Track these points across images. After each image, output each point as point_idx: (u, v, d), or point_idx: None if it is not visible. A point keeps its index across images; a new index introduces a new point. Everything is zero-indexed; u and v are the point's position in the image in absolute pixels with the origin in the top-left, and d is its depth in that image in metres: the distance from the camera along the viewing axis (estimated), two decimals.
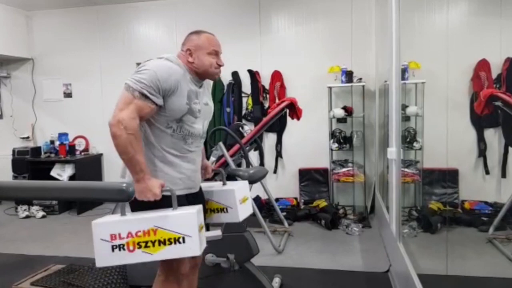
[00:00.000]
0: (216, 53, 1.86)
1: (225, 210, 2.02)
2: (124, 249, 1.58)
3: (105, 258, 1.61)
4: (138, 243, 1.58)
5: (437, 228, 3.58)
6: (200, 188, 2.00)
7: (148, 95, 1.67)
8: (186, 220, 1.60)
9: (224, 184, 2.09)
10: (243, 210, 2.05)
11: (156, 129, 1.78)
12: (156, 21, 5.43)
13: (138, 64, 5.77)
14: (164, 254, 1.59)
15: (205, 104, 1.90)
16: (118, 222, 1.61)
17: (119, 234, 1.58)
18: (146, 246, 1.58)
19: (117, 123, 1.63)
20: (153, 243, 1.58)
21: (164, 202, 1.67)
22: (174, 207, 1.64)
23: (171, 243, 1.58)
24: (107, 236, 1.59)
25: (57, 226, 4.72)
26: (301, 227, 4.36)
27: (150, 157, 1.77)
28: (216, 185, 2.09)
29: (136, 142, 1.65)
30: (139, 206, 1.70)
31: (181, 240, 1.57)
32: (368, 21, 4.82)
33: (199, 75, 1.86)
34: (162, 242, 1.58)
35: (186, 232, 1.58)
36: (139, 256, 1.59)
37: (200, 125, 1.87)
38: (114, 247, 1.59)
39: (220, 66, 1.87)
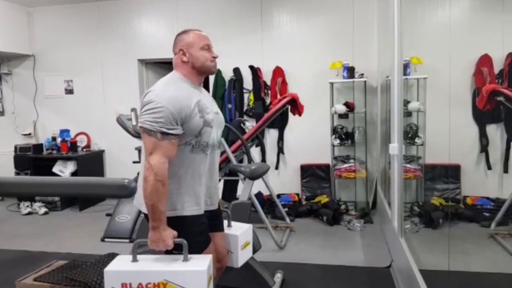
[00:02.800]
0: (208, 47, 1.86)
1: (227, 252, 2.06)
2: None
3: None
4: None
5: (439, 223, 3.59)
6: (219, 205, 2.00)
7: (169, 131, 1.67)
8: (196, 278, 1.61)
9: (229, 225, 2.11)
10: (243, 256, 2.10)
11: (176, 149, 1.77)
12: (157, 16, 5.42)
13: (139, 60, 5.72)
14: None
15: (215, 113, 1.90)
16: (130, 273, 1.64)
17: (130, 284, 1.61)
18: None
19: (149, 167, 1.64)
20: None
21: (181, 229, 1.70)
22: (185, 258, 1.66)
23: None
24: (118, 285, 1.62)
25: (59, 222, 4.73)
26: (303, 223, 4.37)
27: (170, 176, 1.75)
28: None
29: (163, 189, 1.65)
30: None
31: None
32: (370, 17, 4.80)
33: (198, 72, 1.85)
34: None
35: None
36: None
37: (215, 134, 1.87)
38: None
39: (214, 58, 1.87)
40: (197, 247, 1.74)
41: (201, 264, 1.65)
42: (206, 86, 4.80)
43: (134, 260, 1.68)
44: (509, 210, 3.38)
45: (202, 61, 1.83)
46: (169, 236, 1.67)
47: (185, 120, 1.72)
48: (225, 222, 2.11)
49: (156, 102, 1.68)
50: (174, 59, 1.87)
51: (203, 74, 1.89)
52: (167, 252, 1.72)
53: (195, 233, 1.78)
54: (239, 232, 2.06)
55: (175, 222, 1.73)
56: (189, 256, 1.67)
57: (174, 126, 1.69)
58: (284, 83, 5.05)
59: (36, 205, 5.12)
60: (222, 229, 2.03)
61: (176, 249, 1.69)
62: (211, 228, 1.90)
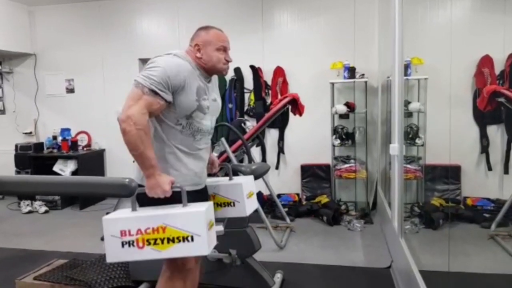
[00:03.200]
0: (225, 49, 1.87)
1: (232, 204, 2.04)
2: (133, 246, 1.60)
3: (115, 254, 1.62)
4: (147, 240, 1.59)
5: (439, 224, 3.58)
6: (205, 185, 2.01)
7: (158, 91, 1.67)
8: (195, 219, 1.60)
9: (230, 178, 2.10)
10: (250, 204, 2.07)
11: (166, 126, 1.79)
12: (158, 16, 5.42)
13: (140, 59, 5.75)
14: (173, 252, 1.60)
15: (213, 100, 1.91)
16: (128, 219, 1.63)
17: (129, 231, 1.60)
18: (155, 244, 1.59)
19: (127, 119, 1.62)
20: (162, 240, 1.59)
21: (173, 198, 1.68)
22: (184, 204, 1.65)
23: (179, 241, 1.58)
24: (117, 232, 1.60)
25: (59, 221, 4.74)
26: (303, 223, 4.37)
27: (161, 153, 1.78)
28: (222, 180, 2.10)
29: (146, 137, 1.65)
30: (148, 201, 1.71)
31: (189, 238, 1.58)
32: (371, 17, 4.80)
33: (207, 71, 1.86)
34: (171, 240, 1.59)
35: (195, 231, 1.58)
36: (148, 253, 1.60)
37: (209, 122, 1.88)
38: (124, 243, 1.60)
39: (228, 62, 1.88)
40: None
41: (199, 207, 1.64)
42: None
43: (134, 209, 1.67)
44: (510, 211, 3.37)
45: (214, 61, 1.84)
46: (166, 181, 1.67)
47: (178, 90, 1.72)
48: (226, 178, 2.11)
49: (156, 63, 1.71)
50: (187, 48, 1.87)
51: (212, 74, 1.90)
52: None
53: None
54: (242, 181, 2.05)
55: (160, 199, 1.70)
56: (188, 203, 1.66)
57: (165, 90, 1.69)
58: (284, 83, 5.05)
59: (37, 204, 5.13)
60: None
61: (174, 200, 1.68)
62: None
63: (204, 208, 1.62)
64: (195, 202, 1.79)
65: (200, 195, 1.91)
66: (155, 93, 1.67)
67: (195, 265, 1.95)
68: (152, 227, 1.59)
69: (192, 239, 1.58)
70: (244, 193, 2.02)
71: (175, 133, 1.79)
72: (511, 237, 3.16)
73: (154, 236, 1.59)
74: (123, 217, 1.64)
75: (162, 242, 1.59)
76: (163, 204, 1.70)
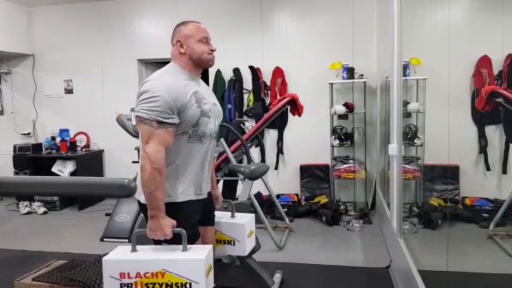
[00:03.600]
0: (206, 40, 1.86)
1: (232, 242, 2.09)
2: None
3: None
4: (146, 284, 1.61)
5: (438, 224, 3.59)
6: (211, 197, 2.03)
7: (166, 120, 1.68)
8: (194, 266, 1.61)
9: (232, 215, 2.13)
10: (249, 244, 2.12)
11: (174, 137, 1.78)
12: (157, 17, 5.42)
13: (139, 60, 5.72)
14: None
15: (213, 104, 1.91)
16: (128, 262, 1.64)
17: (128, 274, 1.61)
18: None
19: (145, 156, 1.66)
20: (161, 285, 1.60)
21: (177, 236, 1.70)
22: (184, 248, 1.66)
23: (178, 287, 1.60)
24: (116, 274, 1.62)
25: (58, 222, 4.73)
26: (302, 223, 4.37)
27: (167, 164, 1.76)
28: (224, 217, 2.13)
29: (160, 177, 1.67)
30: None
31: (187, 285, 1.59)
32: (370, 18, 4.81)
33: (195, 64, 1.86)
34: (169, 286, 1.60)
35: (194, 279, 1.60)
36: None
37: (213, 125, 1.88)
38: (123, 285, 1.61)
39: (212, 51, 1.87)
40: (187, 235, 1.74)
41: (200, 253, 1.64)
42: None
43: (133, 250, 1.68)
44: (508, 211, 3.38)
45: (199, 53, 1.83)
46: (168, 224, 1.68)
47: (182, 109, 1.73)
48: (228, 214, 2.13)
49: (152, 91, 1.70)
50: (171, 50, 1.88)
51: (200, 66, 1.90)
52: (166, 242, 1.72)
53: (187, 224, 1.78)
54: (244, 221, 2.08)
55: (168, 208, 1.72)
56: (188, 246, 1.67)
57: (170, 115, 1.70)
58: (283, 83, 5.05)
59: (35, 204, 5.12)
60: (213, 224, 2.05)
61: (175, 241, 1.69)
62: (203, 222, 1.91)
63: (204, 256, 1.63)
64: (201, 215, 1.83)
65: (205, 211, 1.94)
66: (164, 123, 1.68)
67: None
68: (151, 272, 1.60)
69: (190, 286, 1.60)
70: (246, 233, 2.06)
71: (182, 143, 1.79)
72: (509, 236, 3.17)
73: (153, 281, 1.60)
74: (123, 259, 1.66)
75: (161, 287, 1.61)
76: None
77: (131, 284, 1.61)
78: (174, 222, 1.71)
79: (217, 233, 2.08)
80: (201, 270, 1.60)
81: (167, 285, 1.60)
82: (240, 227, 2.06)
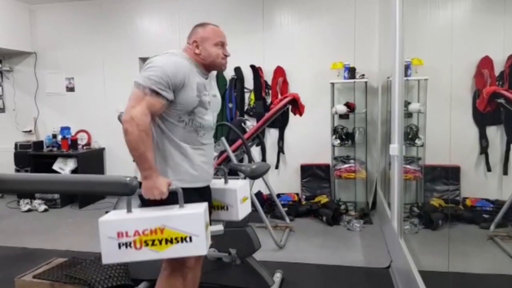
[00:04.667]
0: (222, 44, 1.88)
1: (225, 208, 2.05)
2: (131, 247, 1.60)
3: (111, 255, 1.62)
4: (145, 241, 1.60)
5: (439, 224, 3.59)
6: (209, 186, 2.01)
7: (159, 91, 1.69)
8: (193, 220, 1.61)
9: (225, 182, 2.11)
10: (243, 209, 2.09)
11: (169, 124, 1.80)
12: (159, 15, 5.42)
13: (141, 58, 5.74)
14: (171, 252, 1.61)
15: (213, 95, 1.93)
16: (125, 220, 1.63)
17: (126, 232, 1.60)
18: (153, 244, 1.60)
19: (130, 119, 1.65)
20: (160, 241, 1.60)
21: (173, 198, 1.69)
22: (181, 205, 1.66)
23: (178, 241, 1.60)
24: (114, 234, 1.60)
25: (59, 219, 4.74)
26: (303, 222, 4.37)
27: (166, 149, 1.80)
28: (217, 183, 2.10)
29: (147, 139, 1.67)
30: (148, 200, 1.72)
31: (188, 239, 1.59)
32: (372, 18, 4.80)
33: (206, 67, 1.88)
34: (169, 241, 1.59)
35: (193, 232, 1.60)
36: (146, 254, 1.61)
37: (211, 117, 1.90)
38: (121, 244, 1.60)
39: (226, 56, 1.89)
40: None
41: (197, 208, 1.65)
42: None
43: (129, 211, 1.68)
44: (509, 212, 3.38)
45: (213, 57, 1.85)
46: (163, 183, 1.68)
47: (179, 88, 1.73)
48: (222, 180, 2.12)
49: (155, 62, 1.73)
50: (186, 47, 1.88)
51: (212, 69, 1.91)
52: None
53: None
54: (237, 186, 2.06)
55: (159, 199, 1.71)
56: (184, 204, 1.67)
57: (166, 88, 1.70)
58: (285, 83, 5.05)
59: (36, 202, 5.13)
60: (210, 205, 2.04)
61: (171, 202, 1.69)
62: None
63: (202, 210, 1.63)
64: (198, 200, 1.80)
65: (203, 193, 1.92)
66: (157, 93, 1.68)
67: (195, 264, 1.96)
68: (150, 229, 1.60)
69: (191, 240, 1.60)
70: (238, 198, 2.03)
71: (178, 130, 1.80)
72: (510, 237, 3.17)
73: (152, 237, 1.60)
74: (120, 219, 1.65)
75: (160, 243, 1.60)
76: (160, 205, 1.70)
77: (130, 243, 1.59)
78: (169, 180, 1.71)
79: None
80: (201, 223, 1.60)
81: (166, 240, 1.59)
82: (232, 192, 2.03)
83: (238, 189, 2.04)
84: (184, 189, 1.74)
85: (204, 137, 1.89)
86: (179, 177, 1.80)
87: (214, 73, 2.04)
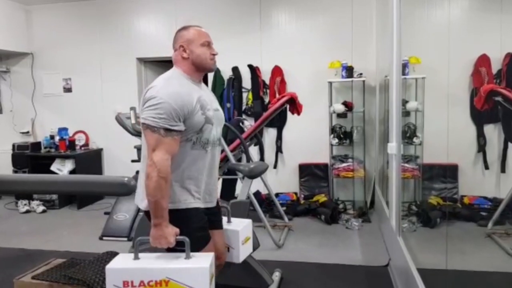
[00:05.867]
0: (208, 44, 1.86)
1: (227, 249, 2.05)
2: None
3: None
4: None
5: (437, 222, 3.60)
6: (218, 203, 2.01)
7: (172, 128, 1.67)
8: (199, 275, 1.61)
9: (228, 221, 2.11)
10: (244, 251, 2.10)
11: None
12: (156, 15, 5.41)
13: (138, 59, 5.70)
14: None
15: (215, 110, 1.90)
16: (131, 270, 1.64)
17: (132, 282, 1.61)
18: None
19: (153, 164, 1.64)
20: None
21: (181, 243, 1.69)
22: (187, 256, 1.66)
23: None
24: (120, 282, 1.61)
25: (57, 220, 4.73)
26: (301, 222, 4.37)
27: (171, 171, 1.75)
28: None
29: (166, 186, 1.66)
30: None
31: None
32: (369, 16, 4.81)
33: (198, 68, 1.86)
34: None
35: (197, 286, 1.60)
36: None
37: (215, 132, 1.88)
38: None
39: (214, 55, 1.88)
40: (197, 242, 1.74)
41: (203, 262, 1.64)
42: (205, 85, 4.79)
43: (136, 258, 1.69)
44: (506, 209, 3.39)
45: (202, 58, 1.83)
46: (171, 233, 1.67)
47: (188, 116, 1.72)
48: (225, 219, 2.11)
49: (158, 98, 1.68)
50: (173, 55, 1.87)
51: (202, 70, 1.90)
52: (169, 250, 1.72)
53: (195, 228, 1.79)
54: (239, 227, 2.06)
55: (174, 215, 1.72)
56: (191, 254, 1.67)
57: (177, 123, 1.69)
58: (282, 82, 5.05)
59: (34, 203, 5.11)
60: (221, 227, 2.03)
61: (178, 247, 1.69)
62: (210, 225, 1.90)
63: (208, 264, 1.63)
64: (208, 219, 1.82)
65: (212, 214, 1.93)
66: (171, 131, 1.67)
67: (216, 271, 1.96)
68: (155, 280, 1.60)
69: None
70: (240, 241, 2.03)
71: (186, 150, 1.78)
72: (508, 235, 3.18)
73: None
74: (126, 268, 1.66)
75: None
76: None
77: None
78: (177, 230, 1.70)
79: None
80: (206, 278, 1.60)
81: None
82: (235, 234, 2.03)
83: (240, 231, 2.04)
84: (190, 209, 1.76)
85: (213, 153, 1.88)
86: (182, 198, 1.79)
87: (208, 89, 2.00)
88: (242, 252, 2.06)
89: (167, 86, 1.74)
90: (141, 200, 1.80)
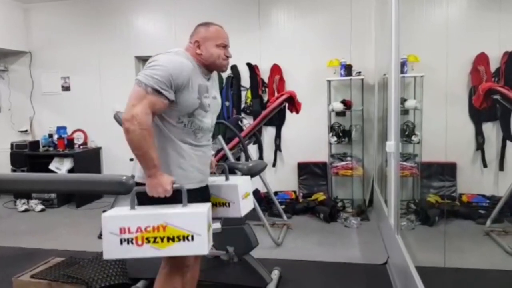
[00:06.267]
0: (224, 46, 1.87)
1: (227, 204, 2.04)
2: (132, 243, 1.60)
3: (113, 251, 1.62)
4: (147, 238, 1.60)
5: (435, 221, 3.60)
6: (207, 184, 2.01)
7: (161, 90, 1.67)
8: (196, 219, 1.61)
9: (227, 179, 2.10)
10: (245, 205, 2.07)
11: (168, 124, 1.79)
12: (155, 13, 5.40)
13: (137, 57, 5.71)
14: (172, 250, 1.61)
15: (213, 98, 1.91)
16: (128, 217, 1.63)
17: (129, 228, 1.60)
18: (154, 242, 1.60)
19: (131, 118, 1.63)
20: (162, 239, 1.59)
21: (174, 198, 1.69)
22: (184, 204, 1.66)
23: (180, 240, 1.59)
24: (116, 229, 1.60)
25: (56, 219, 4.73)
26: (300, 220, 4.38)
27: (165, 150, 1.78)
28: (218, 180, 2.10)
29: (149, 137, 1.66)
30: (147, 200, 1.71)
31: (190, 238, 1.59)
32: (368, 15, 4.81)
33: (207, 67, 1.86)
34: (171, 239, 1.59)
35: (195, 231, 1.59)
36: (147, 251, 1.61)
37: (209, 119, 1.88)
38: (123, 240, 1.60)
39: (228, 57, 1.88)
40: None
41: (200, 207, 1.65)
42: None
43: (132, 208, 1.68)
44: (505, 207, 3.39)
45: (214, 57, 1.84)
46: (167, 181, 1.67)
47: (180, 89, 1.72)
48: (223, 178, 2.11)
49: (159, 61, 1.70)
50: (187, 46, 1.87)
51: (212, 70, 1.90)
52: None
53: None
54: (238, 182, 2.05)
55: (161, 198, 1.71)
56: (188, 203, 1.67)
57: (168, 88, 1.69)
58: (281, 80, 5.05)
59: (33, 202, 5.11)
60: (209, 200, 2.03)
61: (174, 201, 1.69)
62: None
63: (206, 209, 1.64)
64: (198, 200, 1.79)
65: (202, 193, 1.92)
66: (159, 92, 1.67)
67: (194, 262, 1.96)
68: (152, 226, 1.59)
69: (193, 239, 1.59)
70: (240, 194, 2.02)
71: (177, 131, 1.79)
72: (506, 233, 3.19)
73: (154, 235, 1.59)
74: (123, 215, 1.64)
75: (162, 241, 1.59)
76: (162, 204, 1.70)
77: (132, 239, 1.59)
78: (173, 178, 1.70)
79: (212, 196, 2.04)
80: (203, 222, 1.60)
81: (168, 238, 1.59)
82: (233, 188, 2.02)
83: (239, 185, 2.03)
84: (179, 191, 1.74)
85: (202, 139, 1.88)
86: (175, 177, 1.79)
87: (216, 73, 2.02)
88: (243, 206, 2.03)
89: (171, 56, 1.76)
90: (138, 176, 1.79)
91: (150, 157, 1.66)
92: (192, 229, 1.59)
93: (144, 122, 1.63)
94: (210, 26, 1.86)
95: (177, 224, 1.59)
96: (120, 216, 1.64)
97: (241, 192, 2.03)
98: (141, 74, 1.70)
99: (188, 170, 1.82)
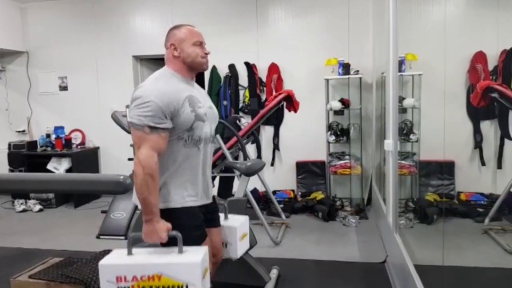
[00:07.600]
0: (200, 44, 1.86)
1: (224, 245, 2.08)
2: None
3: None
4: (143, 287, 1.62)
5: (433, 219, 3.61)
6: (214, 199, 2.00)
7: (158, 125, 1.67)
8: (190, 269, 1.62)
9: (226, 217, 2.12)
10: (242, 247, 2.12)
11: (169, 143, 1.76)
12: (152, 13, 5.39)
13: (134, 57, 5.69)
14: None
15: (209, 107, 1.90)
16: (124, 266, 1.65)
17: (125, 277, 1.62)
18: None
19: (138, 162, 1.66)
20: None
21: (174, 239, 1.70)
22: (180, 251, 1.67)
23: None
24: (113, 278, 1.62)
25: (54, 219, 4.72)
26: (298, 219, 4.38)
27: (166, 169, 1.77)
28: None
29: (152, 183, 1.66)
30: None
31: (184, 287, 1.61)
32: (365, 13, 4.80)
33: (189, 67, 1.85)
34: None
35: (190, 281, 1.61)
36: None
37: (208, 129, 1.87)
38: None
39: (206, 54, 1.87)
40: (193, 241, 1.74)
41: (195, 256, 1.65)
42: (202, 83, 4.79)
43: (129, 253, 1.69)
44: (503, 205, 3.40)
45: (193, 57, 1.83)
46: (163, 228, 1.68)
47: (175, 114, 1.72)
48: (222, 215, 2.11)
49: (144, 97, 1.69)
50: (165, 54, 1.87)
51: (194, 70, 1.89)
52: (164, 245, 1.72)
53: (191, 227, 1.79)
54: (237, 224, 2.08)
55: (170, 215, 1.73)
56: (184, 248, 1.67)
57: (163, 120, 1.69)
58: (279, 79, 5.05)
59: (31, 202, 5.10)
60: (218, 225, 2.03)
61: (172, 243, 1.69)
62: (207, 223, 1.90)
63: (200, 259, 1.63)
64: (200, 218, 1.82)
65: (208, 213, 1.92)
66: (156, 128, 1.67)
67: (212, 269, 1.96)
68: (147, 275, 1.61)
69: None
70: (238, 236, 2.05)
71: (178, 148, 1.78)
72: (504, 231, 3.19)
73: (150, 284, 1.61)
74: (119, 264, 1.67)
75: None
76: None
77: (128, 287, 1.62)
78: (169, 225, 1.70)
79: None
80: (197, 273, 1.61)
81: (163, 287, 1.61)
82: (232, 230, 2.05)
83: (238, 227, 2.06)
84: (185, 208, 1.77)
85: (205, 151, 1.88)
86: (176, 197, 1.79)
87: (200, 89, 1.99)
88: (239, 248, 2.08)
89: (153, 85, 1.75)
90: (136, 199, 1.80)
91: (149, 203, 1.66)
92: (186, 280, 1.61)
93: (148, 166, 1.64)
94: (182, 27, 1.86)
95: (171, 274, 1.61)
96: (117, 265, 1.67)
97: (239, 234, 2.07)
98: (133, 117, 1.69)
99: (189, 189, 1.82)
